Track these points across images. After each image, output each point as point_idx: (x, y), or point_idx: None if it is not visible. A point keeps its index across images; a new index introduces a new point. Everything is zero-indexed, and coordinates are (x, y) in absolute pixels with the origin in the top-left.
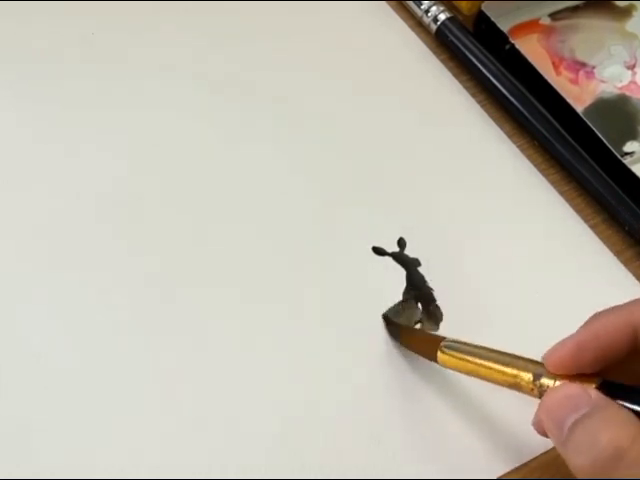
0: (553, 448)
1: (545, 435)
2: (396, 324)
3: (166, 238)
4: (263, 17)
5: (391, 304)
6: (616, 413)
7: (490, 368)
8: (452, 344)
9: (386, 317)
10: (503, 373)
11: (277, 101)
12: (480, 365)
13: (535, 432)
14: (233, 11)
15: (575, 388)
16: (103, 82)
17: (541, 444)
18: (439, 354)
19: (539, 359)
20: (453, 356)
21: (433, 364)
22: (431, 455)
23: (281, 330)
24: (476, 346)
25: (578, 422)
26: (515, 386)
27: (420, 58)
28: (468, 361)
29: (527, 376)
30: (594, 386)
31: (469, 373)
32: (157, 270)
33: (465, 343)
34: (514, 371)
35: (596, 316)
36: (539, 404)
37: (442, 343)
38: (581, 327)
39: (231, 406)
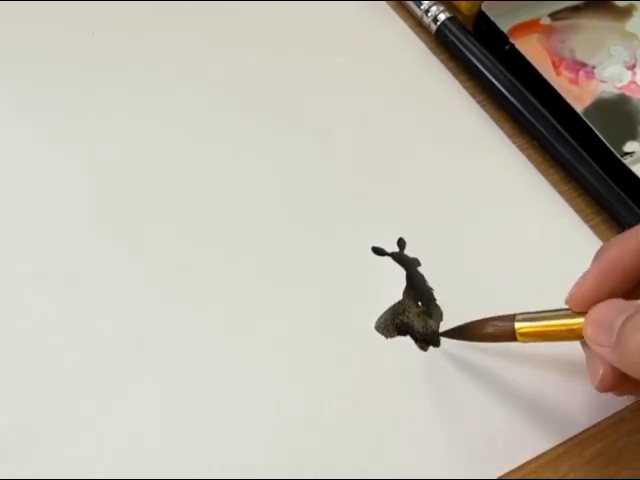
0: (552, 449)
1: (608, 387)
2: (458, 328)
3: (165, 239)
4: (262, 17)
5: (391, 304)
6: None
7: (562, 327)
8: (524, 316)
9: (443, 333)
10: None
11: (275, 102)
12: (555, 327)
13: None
14: (232, 11)
15: (618, 300)
16: (103, 82)
17: (540, 445)
18: (517, 330)
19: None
20: (530, 328)
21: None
22: (431, 456)
23: (281, 330)
24: (540, 312)
25: (629, 318)
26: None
27: (420, 58)
28: (544, 328)
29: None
30: None
31: (547, 339)
32: (156, 271)
33: (529, 313)
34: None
35: (605, 247)
36: (584, 323)
37: (516, 319)
38: (593, 261)
39: (231, 406)
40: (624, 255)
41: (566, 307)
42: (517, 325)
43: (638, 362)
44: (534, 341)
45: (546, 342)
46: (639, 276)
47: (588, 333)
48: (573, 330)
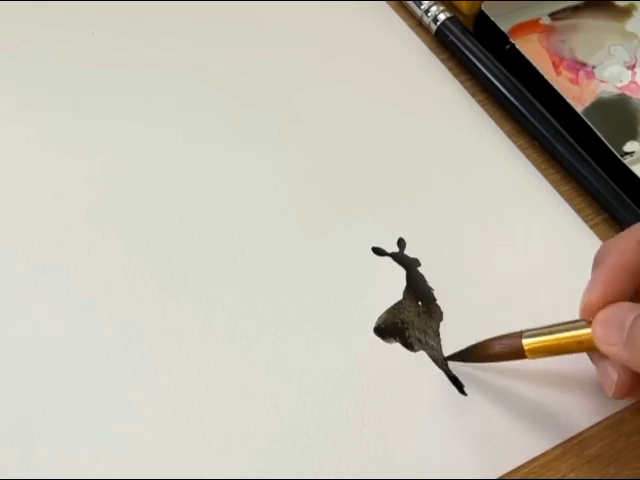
0: (552, 449)
1: (621, 394)
2: (465, 350)
3: (165, 239)
4: (262, 17)
5: (391, 304)
6: None
7: (571, 339)
8: (530, 332)
9: (449, 357)
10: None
11: (275, 102)
12: (563, 340)
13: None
14: (232, 11)
15: (627, 302)
16: (103, 82)
17: (541, 445)
18: (525, 347)
19: None
20: (538, 343)
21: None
22: (432, 456)
23: (281, 330)
24: (546, 326)
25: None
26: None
27: (420, 58)
28: (552, 342)
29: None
30: None
31: (556, 353)
32: (156, 271)
33: (536, 329)
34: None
35: (605, 251)
36: (593, 323)
37: (523, 336)
38: (595, 267)
39: (231, 406)
40: (625, 257)
41: (571, 320)
42: (525, 342)
43: None
44: (543, 356)
45: (555, 356)
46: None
47: (597, 333)
48: (582, 341)
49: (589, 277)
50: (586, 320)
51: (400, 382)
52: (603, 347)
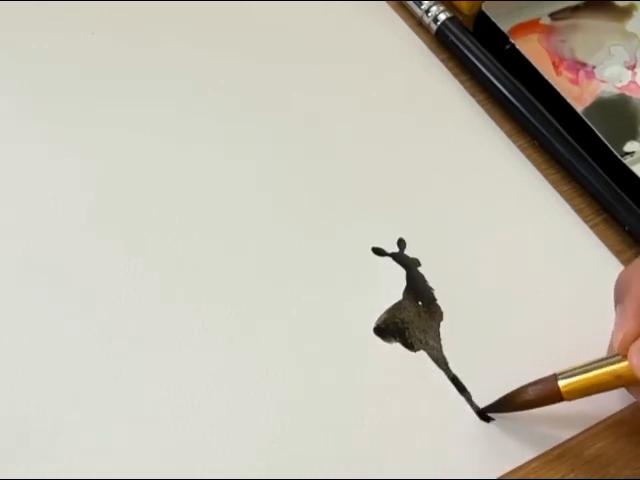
0: (552, 449)
1: None
2: (501, 400)
3: (164, 240)
4: (263, 17)
5: (392, 303)
6: None
7: (608, 375)
8: (566, 374)
9: (486, 409)
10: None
11: (275, 103)
12: (601, 376)
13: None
14: (231, 10)
15: None
16: (103, 82)
17: (541, 445)
18: (562, 389)
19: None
20: (575, 384)
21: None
22: (432, 456)
23: (281, 330)
24: (580, 366)
25: None
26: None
27: (420, 58)
28: (589, 380)
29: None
30: None
31: (595, 391)
32: (156, 271)
33: (569, 369)
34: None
35: (625, 278)
36: (630, 353)
37: (559, 379)
38: (619, 298)
39: (230, 407)
40: None
41: (605, 356)
42: (561, 384)
43: None
44: (580, 396)
45: (592, 394)
46: None
47: (634, 361)
48: (620, 375)
49: (615, 309)
50: (621, 355)
51: (400, 382)
52: None
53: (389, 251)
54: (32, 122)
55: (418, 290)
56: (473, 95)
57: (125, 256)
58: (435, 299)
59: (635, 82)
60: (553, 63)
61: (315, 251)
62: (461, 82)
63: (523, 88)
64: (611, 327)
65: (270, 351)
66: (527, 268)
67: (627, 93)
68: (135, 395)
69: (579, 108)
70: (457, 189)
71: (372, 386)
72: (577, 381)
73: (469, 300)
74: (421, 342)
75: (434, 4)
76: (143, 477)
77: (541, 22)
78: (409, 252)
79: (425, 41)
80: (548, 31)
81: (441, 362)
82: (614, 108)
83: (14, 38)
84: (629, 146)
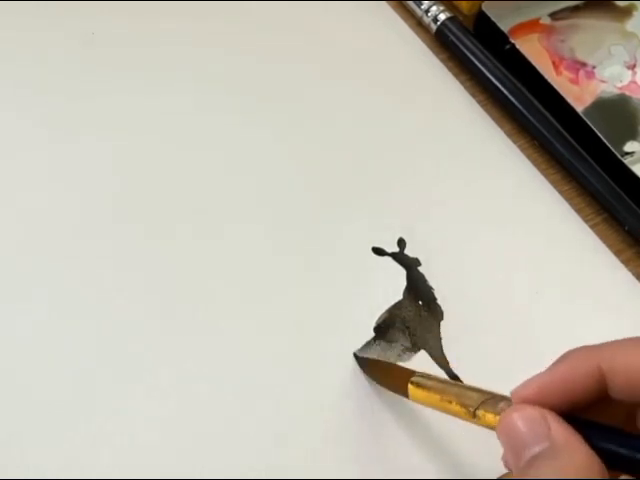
0: None
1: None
2: (364, 358)
3: (163, 240)
4: (263, 17)
5: (392, 303)
6: (582, 458)
7: (455, 398)
8: (421, 379)
9: (355, 355)
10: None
11: (276, 101)
12: (445, 398)
13: None
14: (232, 10)
15: (533, 412)
16: (103, 82)
17: None
18: (410, 388)
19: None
20: (422, 389)
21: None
22: (432, 456)
23: (282, 331)
24: (443, 380)
25: (540, 457)
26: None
27: (420, 58)
28: (435, 394)
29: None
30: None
31: (435, 407)
32: (158, 271)
33: (433, 377)
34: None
35: (566, 356)
36: (501, 427)
37: (412, 378)
38: (551, 366)
39: (230, 407)
40: (577, 376)
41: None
42: (414, 379)
43: None
44: (426, 404)
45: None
46: (591, 396)
47: (499, 435)
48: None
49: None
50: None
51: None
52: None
53: (389, 251)
54: (32, 119)
55: (418, 290)
56: (473, 95)
57: (125, 256)
58: (435, 299)
59: (635, 82)
60: (553, 63)
61: (315, 251)
62: (461, 82)
63: (523, 88)
64: (610, 327)
65: (270, 351)
66: (527, 268)
67: (627, 93)
68: (135, 395)
69: (579, 108)
70: (457, 189)
71: (372, 386)
72: (427, 386)
73: (469, 300)
74: (421, 342)
75: (434, 4)
76: (143, 477)
77: (541, 22)
78: (409, 252)
79: (425, 41)
80: (548, 31)
81: (441, 362)
82: (614, 108)
83: (14, 35)
84: (629, 146)
